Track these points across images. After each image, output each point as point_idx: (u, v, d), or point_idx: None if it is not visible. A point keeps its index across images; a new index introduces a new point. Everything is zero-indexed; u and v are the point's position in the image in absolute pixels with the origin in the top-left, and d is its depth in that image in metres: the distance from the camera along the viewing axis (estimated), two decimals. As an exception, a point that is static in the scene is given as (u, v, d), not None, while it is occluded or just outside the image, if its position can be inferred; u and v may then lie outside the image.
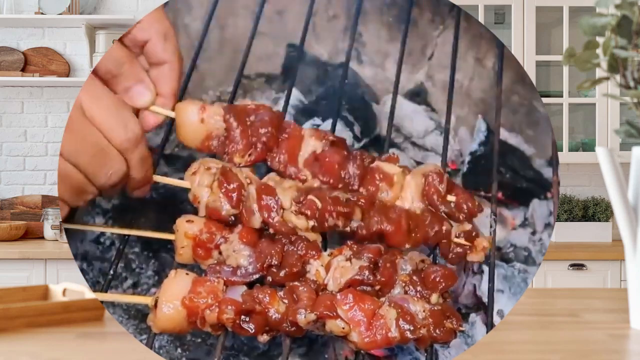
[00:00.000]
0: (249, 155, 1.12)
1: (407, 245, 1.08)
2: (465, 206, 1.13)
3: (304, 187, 1.09)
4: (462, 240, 1.10)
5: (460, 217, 1.12)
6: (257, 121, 1.13)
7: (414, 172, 1.13)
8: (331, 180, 1.12)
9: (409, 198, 1.12)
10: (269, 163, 1.13)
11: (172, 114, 1.10)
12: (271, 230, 1.07)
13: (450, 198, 1.12)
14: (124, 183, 1.00)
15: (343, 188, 1.12)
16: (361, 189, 1.12)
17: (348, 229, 1.07)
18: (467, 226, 1.10)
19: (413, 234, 1.09)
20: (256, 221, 1.07)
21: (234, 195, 1.07)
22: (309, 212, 1.06)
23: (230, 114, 1.12)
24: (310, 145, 1.13)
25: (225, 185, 1.08)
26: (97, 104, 0.92)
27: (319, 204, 1.06)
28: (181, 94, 1.29)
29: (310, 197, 1.06)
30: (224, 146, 1.12)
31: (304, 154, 1.13)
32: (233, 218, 1.07)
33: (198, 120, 1.11)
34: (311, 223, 1.06)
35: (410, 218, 1.09)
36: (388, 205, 1.11)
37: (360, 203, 1.08)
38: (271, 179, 1.11)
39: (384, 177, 1.12)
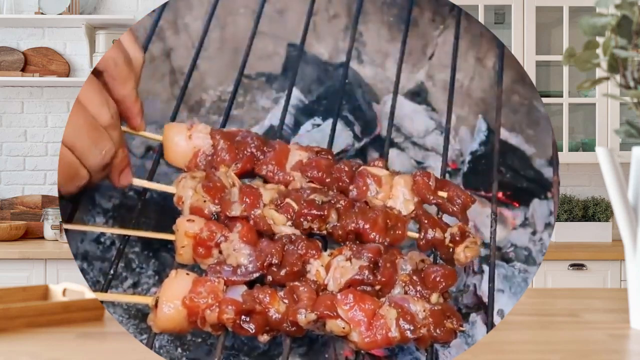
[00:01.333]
0: (236, 164, 1.14)
1: (386, 240, 1.09)
2: (457, 199, 1.13)
3: (284, 190, 1.11)
4: (450, 244, 1.11)
5: (454, 210, 1.13)
6: (243, 138, 1.17)
7: (402, 174, 1.15)
8: (321, 175, 1.13)
9: (400, 196, 1.13)
10: (256, 171, 1.16)
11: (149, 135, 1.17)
12: (251, 223, 1.09)
13: (442, 193, 1.14)
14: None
15: (331, 183, 1.13)
16: (351, 187, 1.14)
17: (325, 231, 1.09)
18: (454, 229, 1.11)
19: (392, 231, 1.09)
20: (236, 210, 1.08)
21: (216, 191, 1.10)
22: (286, 215, 1.08)
23: (217, 131, 1.17)
24: (297, 155, 1.16)
25: (208, 184, 1.11)
26: (86, 88, 1.02)
27: (295, 207, 1.08)
28: (182, 94, 1.29)
29: (287, 200, 1.09)
30: (211, 163, 1.15)
31: (291, 162, 1.16)
32: (215, 215, 1.09)
33: (185, 138, 1.15)
34: (289, 224, 1.08)
35: (388, 216, 1.10)
36: (369, 206, 1.12)
37: (338, 206, 1.09)
38: (254, 182, 1.14)
39: (373, 177, 1.14)
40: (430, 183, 1.13)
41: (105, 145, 1.03)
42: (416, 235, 1.11)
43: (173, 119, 1.27)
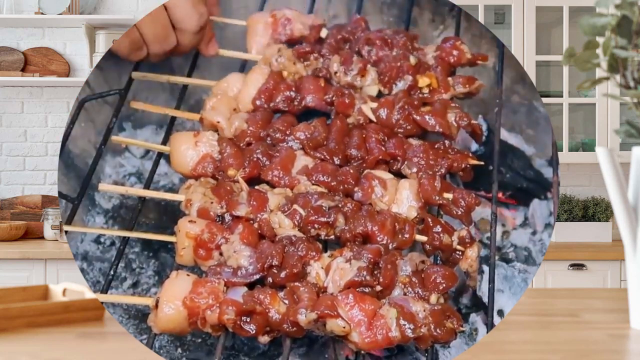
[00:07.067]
0: (243, 169, 1.15)
1: (393, 243, 1.09)
2: (462, 201, 1.14)
3: (291, 196, 1.11)
4: (458, 246, 1.11)
5: (458, 212, 1.13)
6: (248, 144, 1.18)
7: (407, 178, 1.16)
8: (326, 179, 1.13)
9: (404, 200, 1.13)
10: (262, 176, 1.16)
11: None
12: (255, 225, 1.09)
13: (447, 195, 1.14)
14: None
15: (337, 186, 1.13)
16: (356, 189, 1.14)
17: (332, 236, 1.09)
18: (463, 232, 1.11)
19: (400, 235, 1.09)
20: (242, 210, 1.09)
21: (225, 194, 1.11)
22: (293, 221, 1.08)
23: (224, 138, 1.18)
24: (302, 160, 1.16)
25: (218, 188, 1.12)
26: None
27: (303, 213, 1.08)
28: (181, 94, 1.29)
29: (294, 206, 1.09)
30: (218, 169, 1.15)
31: (297, 167, 1.16)
32: (220, 217, 1.10)
33: (192, 144, 1.15)
34: (296, 230, 1.09)
35: (396, 220, 1.10)
36: (377, 209, 1.12)
37: (345, 209, 1.09)
38: (262, 186, 1.14)
39: (378, 180, 1.14)
40: (436, 184, 1.13)
41: (202, 8, 1.14)
42: (423, 238, 1.11)
43: (172, 119, 1.27)
